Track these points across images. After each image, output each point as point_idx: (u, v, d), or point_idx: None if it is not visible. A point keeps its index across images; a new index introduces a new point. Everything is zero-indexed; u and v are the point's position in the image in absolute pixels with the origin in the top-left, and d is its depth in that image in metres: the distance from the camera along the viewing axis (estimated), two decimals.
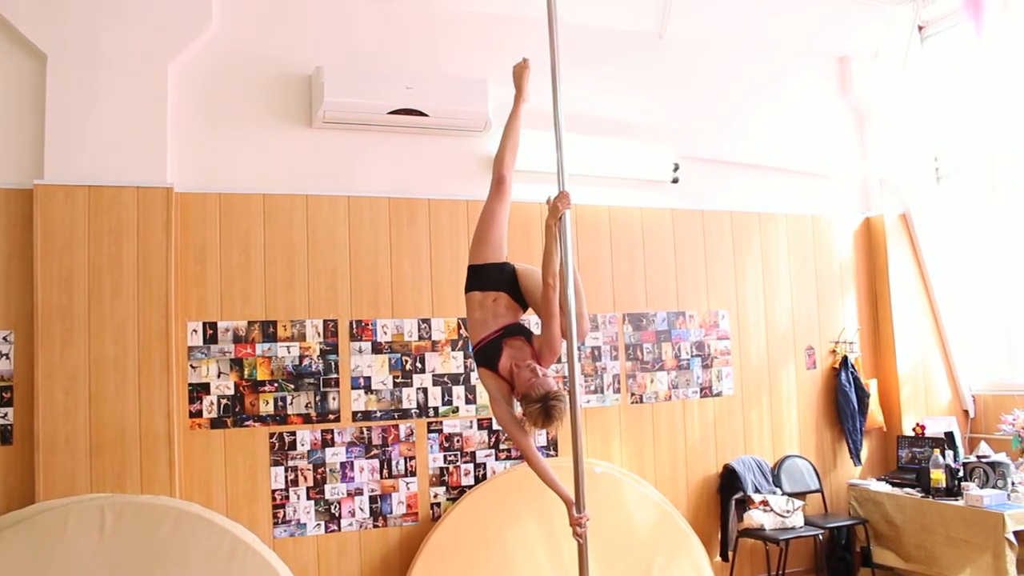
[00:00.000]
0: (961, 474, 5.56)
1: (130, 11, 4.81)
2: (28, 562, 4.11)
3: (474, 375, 5.42)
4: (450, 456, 5.37)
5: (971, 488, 5.34)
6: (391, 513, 5.21)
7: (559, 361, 5.35)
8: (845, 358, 6.46)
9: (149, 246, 4.73)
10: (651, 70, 6.15)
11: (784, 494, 5.91)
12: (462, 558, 5.04)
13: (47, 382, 4.49)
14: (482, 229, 3.86)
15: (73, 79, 4.68)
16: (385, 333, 5.30)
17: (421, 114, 5.25)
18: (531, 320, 4.29)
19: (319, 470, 5.09)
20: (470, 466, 5.41)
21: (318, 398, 5.13)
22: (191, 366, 4.90)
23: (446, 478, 5.35)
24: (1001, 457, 5.57)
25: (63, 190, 4.62)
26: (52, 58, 4.66)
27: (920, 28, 6.81)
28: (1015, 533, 5.02)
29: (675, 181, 6.08)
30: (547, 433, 5.56)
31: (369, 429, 5.22)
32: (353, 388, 5.21)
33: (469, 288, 3.84)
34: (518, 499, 5.16)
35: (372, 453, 5.21)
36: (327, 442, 5.12)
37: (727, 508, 5.85)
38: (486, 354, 3.70)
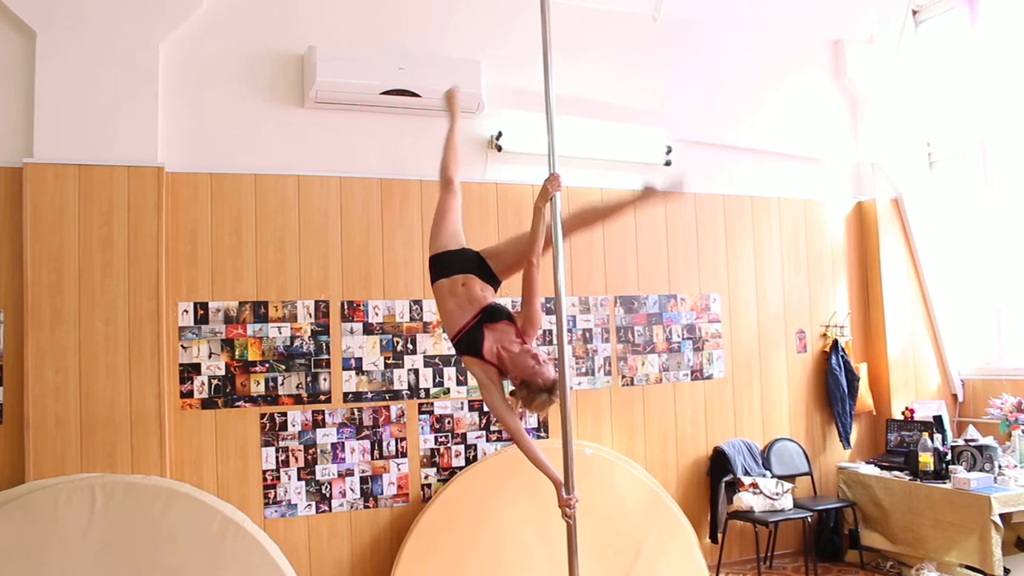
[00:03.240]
0: (949, 457, 5.60)
1: None
2: (18, 542, 4.11)
3: None
4: (441, 437, 5.38)
5: (959, 471, 5.37)
6: (382, 494, 5.23)
7: (549, 343, 5.36)
8: (836, 342, 6.48)
9: (140, 226, 4.71)
10: (644, 53, 6.13)
11: (774, 477, 5.95)
12: (452, 539, 5.06)
13: (37, 362, 4.48)
14: (437, 221, 3.99)
15: (63, 57, 4.65)
16: (376, 314, 5.30)
17: (414, 95, 5.22)
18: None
19: (310, 451, 5.09)
20: (461, 447, 5.42)
21: (309, 379, 5.13)
22: (182, 346, 4.90)
23: (437, 459, 5.37)
24: (989, 441, 5.60)
25: (53, 169, 4.59)
26: (41, 35, 4.62)
27: (914, 13, 6.79)
28: (1001, 516, 5.06)
29: (667, 164, 6.07)
30: (538, 415, 5.57)
31: (360, 410, 5.22)
32: (344, 369, 5.21)
33: (434, 279, 3.85)
34: (508, 481, 5.17)
35: (363, 434, 5.21)
36: (318, 423, 5.13)
37: (717, 490, 5.89)
38: (468, 342, 3.65)
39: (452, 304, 3.74)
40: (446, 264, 3.82)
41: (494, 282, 3.83)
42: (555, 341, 3.75)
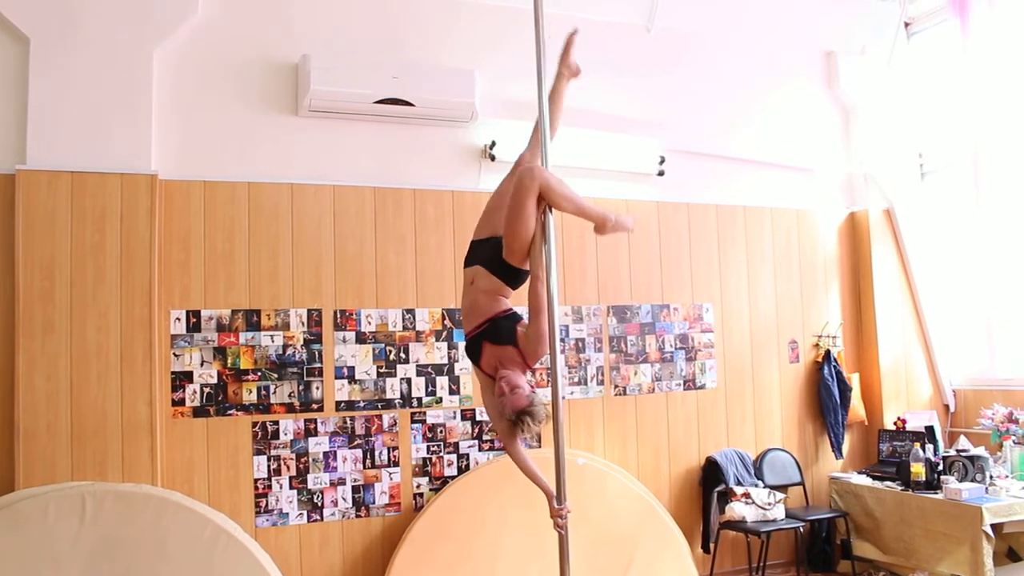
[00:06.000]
0: (940, 468, 5.61)
1: None
2: (8, 550, 4.10)
3: (458, 366, 5.44)
4: (433, 446, 5.37)
5: (950, 482, 5.38)
6: (374, 503, 5.22)
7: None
8: (828, 352, 6.49)
9: (133, 233, 4.71)
10: (638, 63, 6.14)
11: (766, 487, 5.95)
12: (444, 548, 5.04)
13: (28, 369, 4.46)
14: (488, 204, 3.76)
15: (56, 63, 4.65)
16: (369, 323, 5.30)
17: (408, 104, 5.23)
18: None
19: (302, 459, 5.08)
20: (453, 457, 5.41)
21: (301, 387, 5.12)
22: (174, 354, 4.89)
23: (429, 468, 5.36)
24: (980, 451, 5.62)
25: (46, 176, 4.58)
26: (35, 41, 4.62)
27: (906, 24, 6.83)
28: (992, 526, 5.07)
29: (661, 174, 6.09)
30: None
31: (352, 419, 5.21)
32: (337, 378, 5.20)
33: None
34: (501, 490, 5.16)
35: (355, 443, 5.20)
36: (310, 431, 5.11)
37: (709, 500, 5.88)
38: (471, 348, 3.62)
39: (465, 301, 3.63)
40: (470, 253, 3.67)
41: (511, 278, 3.55)
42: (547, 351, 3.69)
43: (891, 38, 6.71)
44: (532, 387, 3.51)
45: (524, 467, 3.64)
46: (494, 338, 3.52)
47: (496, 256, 3.52)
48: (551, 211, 3.51)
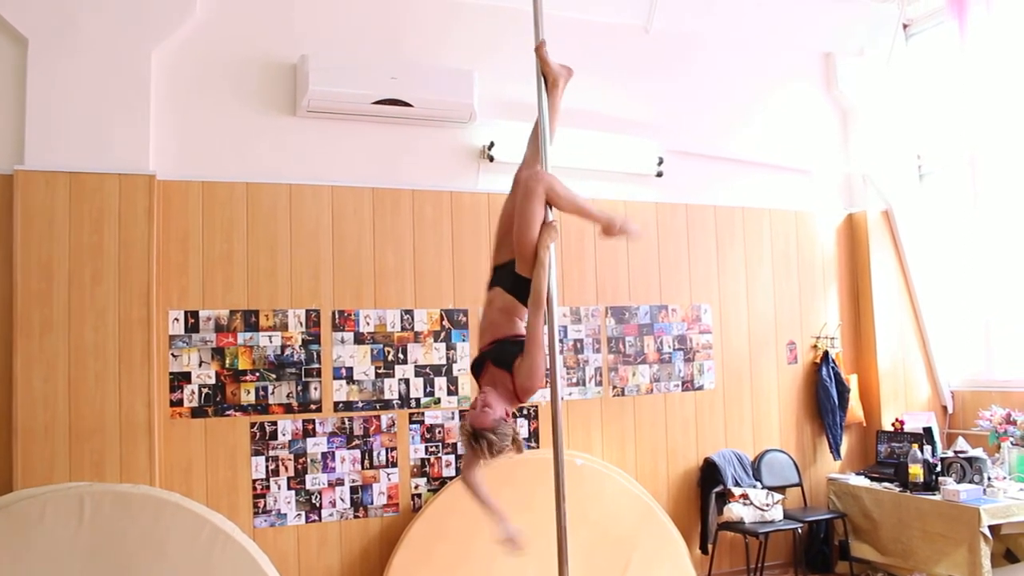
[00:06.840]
0: (939, 469, 5.61)
1: None
2: (5, 550, 4.09)
3: (456, 366, 5.44)
4: (431, 447, 5.37)
5: (948, 483, 5.38)
6: (372, 504, 5.21)
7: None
8: (826, 353, 6.50)
9: (131, 234, 4.71)
10: (637, 64, 6.15)
11: (764, 488, 5.95)
12: (442, 549, 5.04)
13: (26, 369, 4.46)
14: (499, 228, 3.63)
15: (55, 64, 4.64)
16: (367, 324, 5.29)
17: (406, 104, 5.23)
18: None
19: (300, 460, 5.08)
20: (451, 457, 5.41)
21: (300, 388, 5.12)
22: (172, 355, 4.88)
23: (427, 469, 5.36)
24: (978, 452, 5.62)
25: (44, 176, 4.58)
26: (33, 42, 4.62)
27: (905, 26, 6.84)
28: (990, 527, 5.07)
29: (659, 175, 6.09)
30: (528, 425, 5.58)
31: (351, 419, 5.21)
32: (335, 378, 5.20)
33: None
34: (499, 491, 5.11)
35: (353, 444, 5.20)
36: (308, 432, 5.11)
37: (707, 501, 5.88)
38: (475, 366, 3.49)
39: (483, 319, 3.53)
40: (492, 277, 3.55)
41: (521, 292, 3.37)
42: (546, 351, 3.66)
43: (889, 40, 6.71)
44: (507, 416, 3.29)
45: (478, 493, 3.51)
46: (496, 360, 3.38)
47: (511, 273, 3.39)
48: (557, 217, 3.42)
